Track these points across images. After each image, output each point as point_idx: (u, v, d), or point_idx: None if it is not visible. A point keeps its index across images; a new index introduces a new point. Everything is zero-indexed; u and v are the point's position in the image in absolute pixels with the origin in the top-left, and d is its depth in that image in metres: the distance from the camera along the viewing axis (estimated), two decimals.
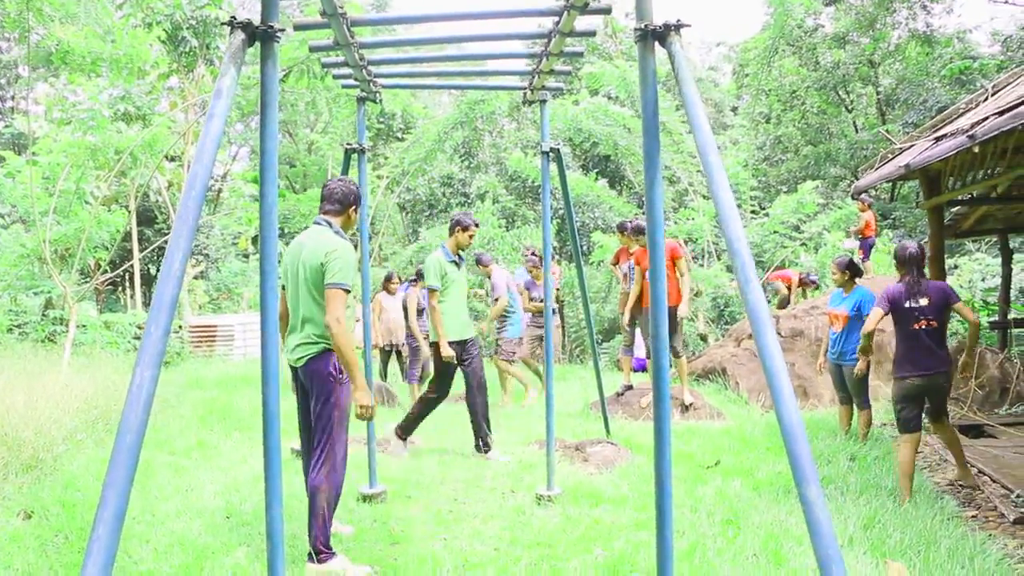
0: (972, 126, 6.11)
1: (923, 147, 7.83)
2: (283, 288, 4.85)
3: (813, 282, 14.22)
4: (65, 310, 13.15)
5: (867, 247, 13.54)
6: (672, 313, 8.87)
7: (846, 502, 5.68)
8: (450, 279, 7.47)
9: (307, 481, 4.73)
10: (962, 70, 18.89)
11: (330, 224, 4.77)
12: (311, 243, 4.66)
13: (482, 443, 7.49)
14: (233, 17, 3.04)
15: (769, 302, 13.39)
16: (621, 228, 9.52)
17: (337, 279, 4.48)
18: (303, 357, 4.65)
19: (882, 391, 9.68)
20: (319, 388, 4.63)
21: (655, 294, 3.27)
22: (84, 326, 13.15)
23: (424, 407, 7.56)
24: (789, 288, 13.76)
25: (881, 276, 12.89)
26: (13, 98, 33.39)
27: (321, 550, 4.55)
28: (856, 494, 5.89)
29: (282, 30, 3.16)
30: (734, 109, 27.73)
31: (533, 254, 11.31)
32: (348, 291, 4.54)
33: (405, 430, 7.55)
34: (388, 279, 10.95)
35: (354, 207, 4.92)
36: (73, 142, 12.21)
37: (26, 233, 14.59)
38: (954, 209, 8.84)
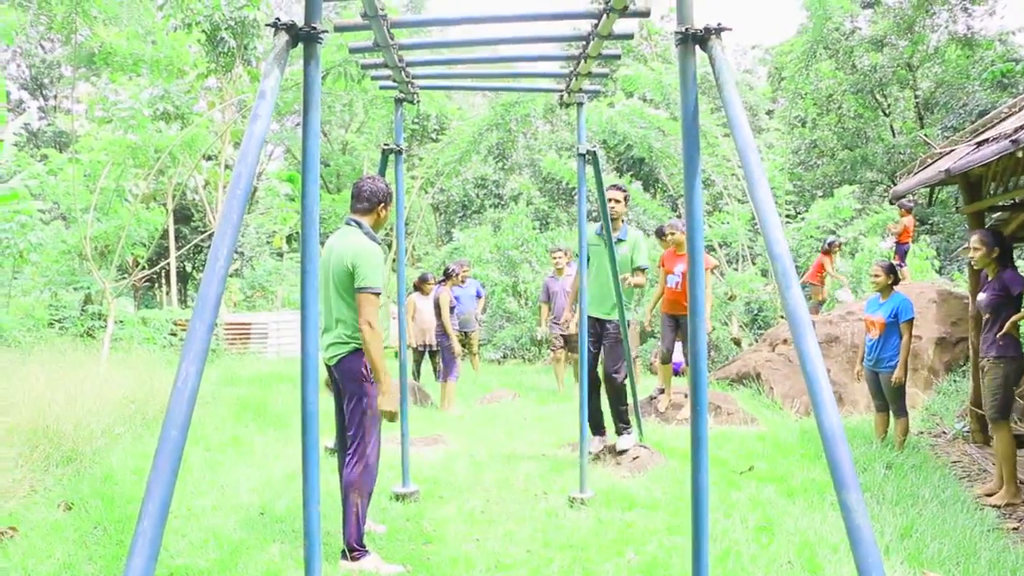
0: (1016, 130, 6.02)
1: (964, 152, 7.73)
2: None
3: (838, 245, 13.80)
4: (104, 306, 13.34)
5: (902, 252, 13.38)
6: None
7: (882, 511, 5.61)
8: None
9: (341, 479, 4.77)
10: (1004, 73, 18.57)
11: (360, 224, 4.78)
12: (340, 245, 4.68)
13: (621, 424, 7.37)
14: (277, 19, 3.08)
15: (810, 299, 13.29)
16: (660, 234, 9.45)
17: (367, 283, 4.51)
18: (336, 356, 4.70)
19: (919, 398, 9.58)
20: (351, 387, 4.67)
21: (694, 300, 3.26)
22: (122, 322, 13.33)
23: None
24: (822, 280, 13.47)
25: (916, 282, 12.75)
26: (56, 97, 33.95)
27: (355, 548, 4.58)
28: (892, 503, 5.82)
29: (325, 31, 3.20)
30: (769, 113, 27.52)
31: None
32: (378, 294, 4.57)
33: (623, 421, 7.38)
34: (423, 280, 10.99)
35: (383, 205, 4.91)
36: (114, 140, 12.39)
37: (67, 230, 14.82)
38: (995, 215, 8.71)
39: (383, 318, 4.78)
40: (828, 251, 13.32)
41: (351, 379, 4.68)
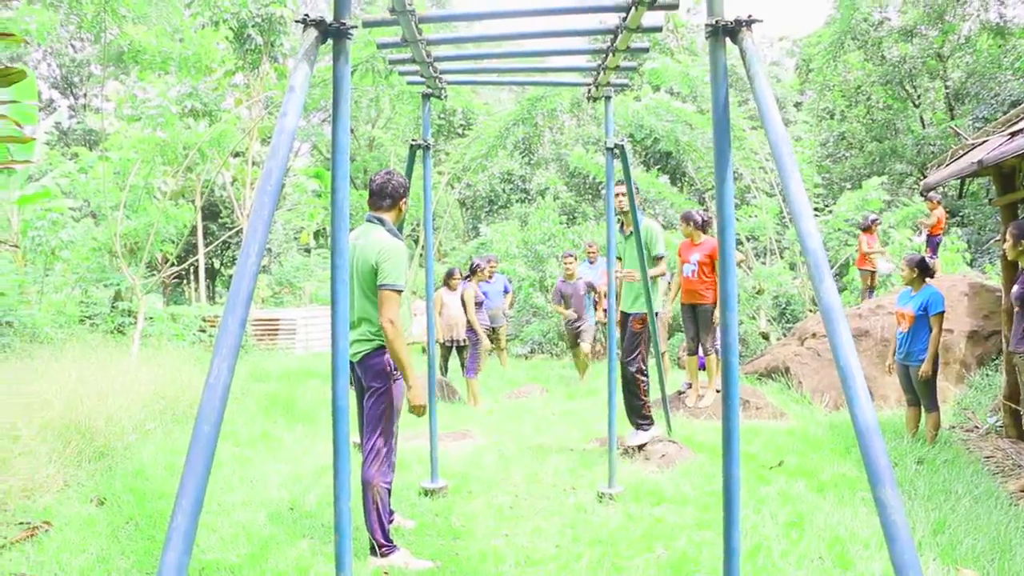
0: None
1: (997, 143, 7.62)
2: None
3: (874, 221, 13.64)
4: (133, 302, 13.48)
5: (934, 245, 13.23)
6: (711, 312, 8.82)
7: (914, 506, 5.55)
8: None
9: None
10: None
11: (383, 222, 4.78)
12: (363, 242, 4.68)
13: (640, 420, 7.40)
14: (306, 15, 3.09)
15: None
16: (687, 219, 9.29)
17: (390, 280, 4.52)
18: (359, 353, 4.70)
19: (950, 393, 9.47)
20: (371, 383, 4.69)
21: (725, 293, 3.23)
22: (151, 318, 13.45)
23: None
24: (872, 275, 13.35)
25: (947, 275, 12.60)
26: (85, 95, 34.30)
27: (382, 543, 4.60)
28: (924, 498, 5.76)
29: (354, 27, 3.20)
30: (797, 105, 27.30)
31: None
32: (400, 291, 4.57)
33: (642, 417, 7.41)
34: (449, 275, 11.00)
35: (404, 200, 4.92)
36: (143, 138, 12.50)
37: (97, 227, 14.97)
38: None
39: (403, 315, 4.81)
40: (868, 228, 13.20)
41: (373, 376, 4.69)
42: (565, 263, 12.07)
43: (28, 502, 5.36)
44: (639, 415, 7.29)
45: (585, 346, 11.87)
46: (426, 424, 6.17)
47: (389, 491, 4.73)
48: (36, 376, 7.58)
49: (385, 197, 4.83)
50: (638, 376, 7.31)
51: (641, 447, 7.18)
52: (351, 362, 4.82)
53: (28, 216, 13.01)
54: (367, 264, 4.60)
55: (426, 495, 5.98)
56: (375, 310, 4.64)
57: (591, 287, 11.93)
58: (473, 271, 11.45)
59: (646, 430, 7.28)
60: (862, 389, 2.44)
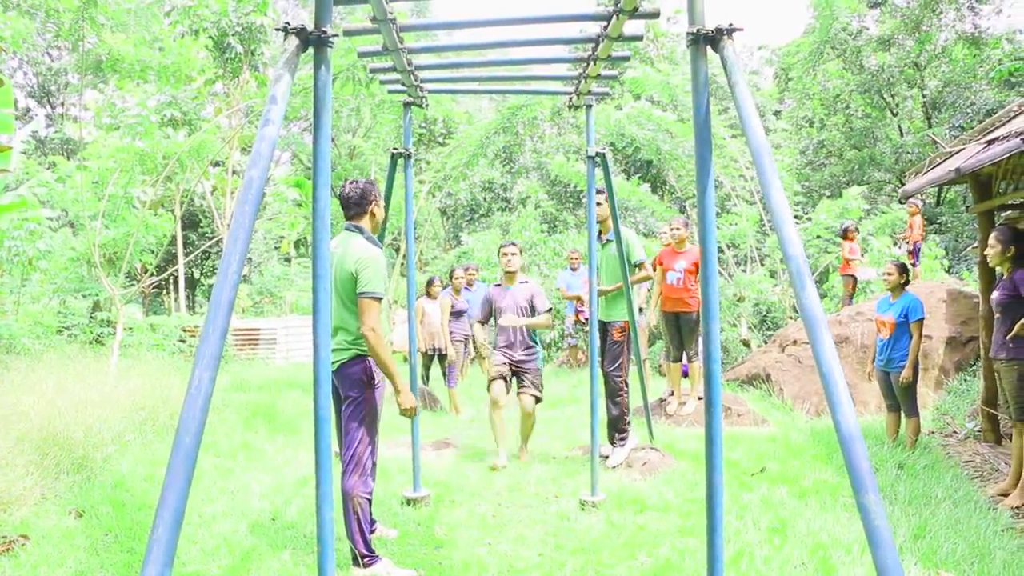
0: None
1: (973, 151, 7.70)
2: None
3: (855, 229, 13.74)
4: (112, 312, 13.37)
5: (915, 251, 13.34)
6: (696, 320, 8.85)
7: (895, 511, 5.58)
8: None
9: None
10: (1012, 72, 18.50)
11: (360, 230, 4.77)
12: (342, 251, 4.65)
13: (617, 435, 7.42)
14: (287, 23, 3.08)
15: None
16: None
17: (369, 288, 4.50)
18: (336, 362, 4.66)
19: (930, 398, 9.54)
20: (349, 392, 4.67)
21: (707, 301, 3.25)
22: (131, 328, 13.35)
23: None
24: (854, 281, 13.44)
25: (925, 282, 12.70)
26: (63, 104, 34.08)
27: (364, 553, 4.57)
28: (905, 503, 5.79)
29: (335, 35, 3.19)
30: (776, 113, 27.48)
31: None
32: (380, 299, 4.56)
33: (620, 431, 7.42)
34: (430, 283, 10.99)
35: (375, 203, 4.88)
36: (122, 147, 12.42)
37: (75, 237, 14.86)
38: (1005, 214, 8.67)
39: (384, 323, 4.79)
40: (845, 236, 13.29)
41: (351, 385, 4.67)
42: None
43: (4, 515, 5.29)
44: (618, 429, 7.32)
45: (528, 401, 7.53)
46: (408, 433, 6.15)
47: (370, 501, 4.70)
48: (13, 387, 7.51)
49: (355, 206, 4.81)
50: (622, 386, 7.34)
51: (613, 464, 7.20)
52: None
53: (5, 226, 12.88)
54: (346, 273, 4.57)
55: (408, 504, 5.96)
56: (353, 319, 4.62)
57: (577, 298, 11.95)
58: (450, 278, 11.49)
59: (623, 445, 7.31)
60: (845, 396, 2.46)
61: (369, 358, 4.64)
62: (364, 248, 4.63)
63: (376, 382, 4.70)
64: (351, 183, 4.87)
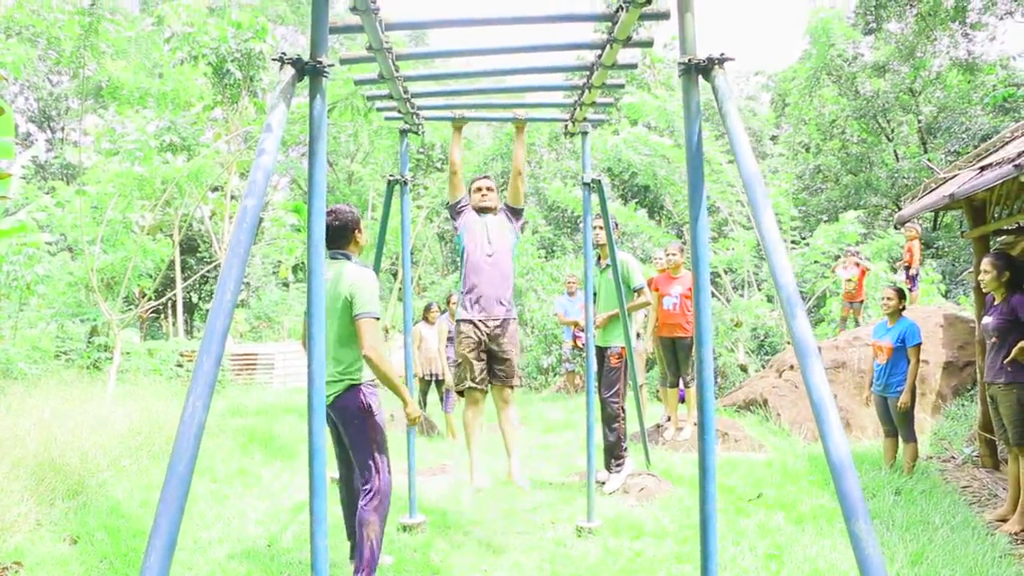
0: (1019, 155, 6.03)
1: (967, 176, 7.74)
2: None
3: (853, 254, 13.85)
4: (110, 337, 13.37)
5: (912, 276, 13.38)
6: (692, 345, 8.84)
7: (892, 537, 5.57)
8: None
9: (344, 511, 4.83)
10: (1006, 97, 18.67)
11: (348, 256, 4.76)
12: (333, 279, 4.61)
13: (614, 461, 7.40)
14: (283, 53, 3.11)
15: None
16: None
17: (366, 309, 4.46)
18: (330, 395, 4.57)
19: (927, 423, 9.53)
20: (350, 424, 4.61)
21: (700, 328, 3.26)
22: (128, 353, 13.35)
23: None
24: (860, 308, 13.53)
25: (922, 306, 12.72)
26: (63, 129, 34.22)
27: None
28: (903, 529, 5.78)
29: (331, 65, 3.22)
30: (773, 138, 27.63)
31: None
32: (378, 319, 4.53)
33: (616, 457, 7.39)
34: (427, 309, 11.00)
35: (357, 229, 4.86)
36: (121, 172, 12.47)
37: (73, 261, 14.89)
38: (1000, 239, 8.70)
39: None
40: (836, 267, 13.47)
41: (349, 416, 4.60)
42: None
43: None
44: (614, 455, 7.31)
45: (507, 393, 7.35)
46: (404, 459, 6.14)
47: (383, 529, 4.66)
48: (10, 412, 7.50)
49: (340, 238, 4.78)
50: (619, 412, 7.34)
51: (609, 490, 7.19)
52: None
53: (4, 250, 12.91)
54: (340, 299, 4.53)
55: (404, 531, 5.94)
56: (345, 350, 4.58)
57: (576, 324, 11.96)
58: (448, 304, 11.50)
59: (620, 471, 7.29)
60: (836, 424, 2.47)
61: (363, 387, 4.60)
62: (356, 271, 4.60)
63: (374, 409, 4.64)
64: (331, 212, 4.77)
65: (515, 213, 6.21)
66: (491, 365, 6.00)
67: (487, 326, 5.88)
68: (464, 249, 5.97)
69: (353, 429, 4.61)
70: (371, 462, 4.59)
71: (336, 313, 4.56)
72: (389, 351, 12.83)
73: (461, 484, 7.49)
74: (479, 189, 6.08)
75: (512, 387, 6.14)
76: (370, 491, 4.57)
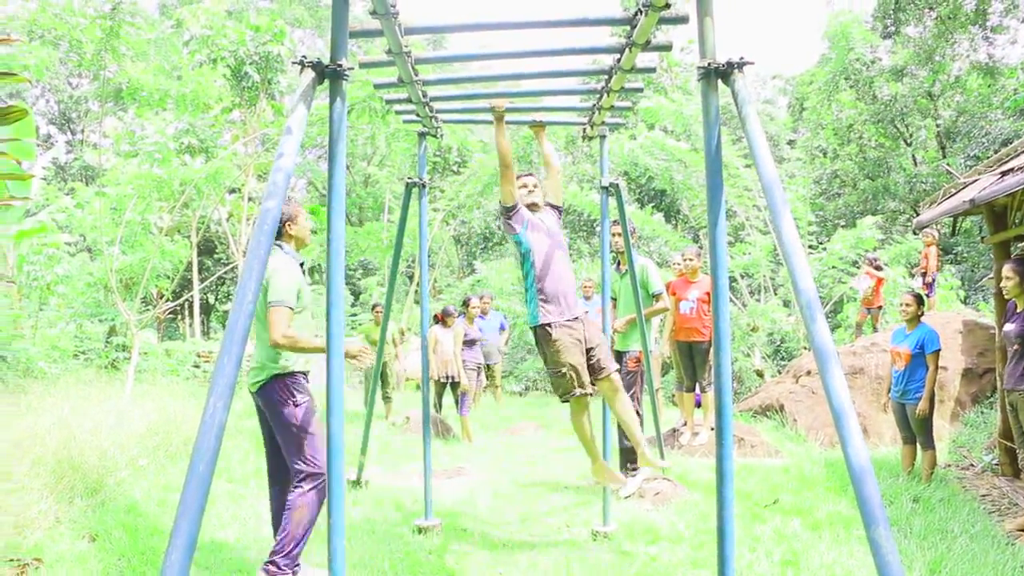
0: None
1: (988, 181, 7.69)
2: None
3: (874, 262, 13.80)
4: (128, 337, 13.45)
5: (930, 282, 13.30)
6: (710, 349, 8.81)
7: (910, 545, 5.53)
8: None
9: (272, 506, 4.88)
10: None
11: (281, 247, 4.84)
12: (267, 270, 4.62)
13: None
14: (303, 57, 3.13)
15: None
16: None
17: (277, 297, 4.48)
18: (255, 383, 4.69)
19: (946, 430, 9.46)
20: (273, 414, 4.67)
21: (718, 334, 3.26)
22: (146, 353, 13.42)
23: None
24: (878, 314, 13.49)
25: (941, 312, 12.64)
26: (83, 131, 34.46)
27: (277, 564, 4.48)
28: (920, 537, 5.74)
29: (350, 68, 3.24)
30: (791, 142, 27.53)
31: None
32: (288, 308, 4.52)
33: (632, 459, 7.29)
34: (444, 313, 11.02)
35: (288, 223, 4.87)
36: (140, 174, 12.56)
37: (92, 262, 14.98)
38: (1021, 245, 8.64)
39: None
40: (878, 267, 13.45)
41: (271, 405, 4.66)
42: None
43: (19, 539, 5.31)
44: (631, 459, 7.28)
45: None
46: (419, 461, 6.14)
47: (312, 519, 4.59)
48: (30, 411, 7.55)
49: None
50: (634, 416, 7.31)
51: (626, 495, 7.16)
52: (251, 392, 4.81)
53: (24, 251, 13.02)
54: (263, 290, 4.55)
55: (420, 533, 5.94)
56: (266, 335, 4.58)
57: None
58: (465, 306, 11.53)
59: (635, 475, 7.27)
60: (855, 429, 2.46)
61: (286, 378, 4.63)
62: (274, 260, 4.62)
63: (297, 399, 4.65)
64: None
65: (556, 209, 5.58)
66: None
67: (587, 336, 5.14)
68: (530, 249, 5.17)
69: (277, 418, 4.64)
70: (296, 448, 4.60)
71: (260, 303, 4.56)
72: (405, 353, 12.87)
73: (476, 487, 7.50)
74: (524, 185, 5.41)
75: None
76: (300, 477, 4.57)
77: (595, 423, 5.17)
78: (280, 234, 4.86)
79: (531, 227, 5.18)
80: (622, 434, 7.29)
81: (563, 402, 5.13)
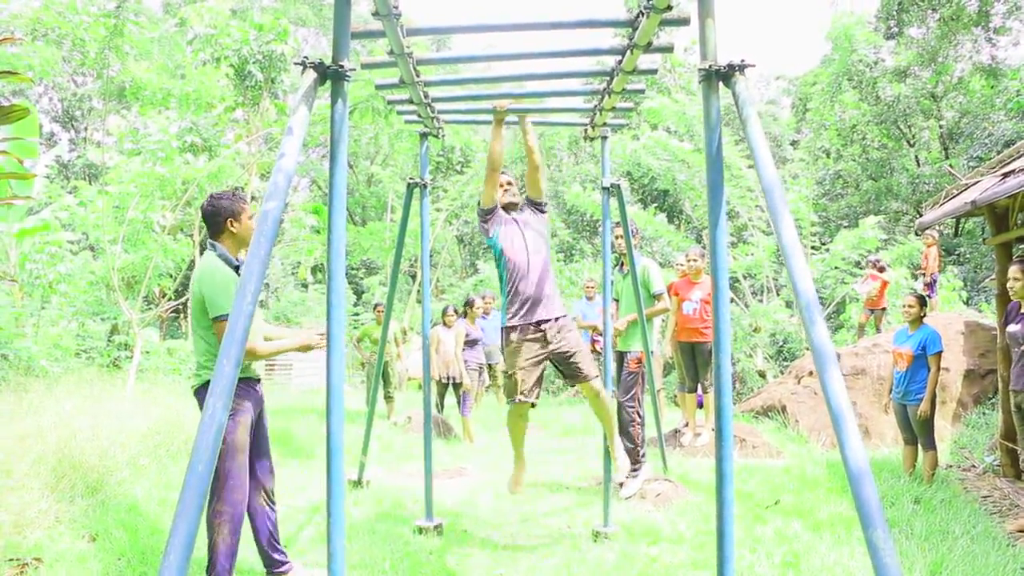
0: None
1: (990, 183, 7.68)
2: None
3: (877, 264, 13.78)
4: (130, 336, 13.46)
5: (931, 283, 13.29)
6: (712, 350, 8.79)
7: (911, 546, 5.53)
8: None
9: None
10: None
11: (214, 247, 4.54)
12: (196, 272, 4.48)
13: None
14: (305, 57, 3.13)
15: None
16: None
17: (220, 312, 4.26)
18: (193, 387, 4.54)
19: (947, 432, 9.45)
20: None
21: (718, 335, 3.26)
22: (148, 352, 13.43)
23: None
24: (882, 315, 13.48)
25: (943, 313, 12.62)
26: (86, 129, 34.49)
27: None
28: (921, 538, 5.73)
29: (352, 69, 3.24)
30: (794, 143, 27.50)
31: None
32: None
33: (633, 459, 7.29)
34: (445, 312, 11.02)
35: (231, 219, 4.55)
36: (143, 172, 12.56)
37: (95, 260, 14.99)
38: (1023, 246, 8.63)
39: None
40: (881, 269, 13.41)
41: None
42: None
43: (19, 538, 5.32)
44: (632, 460, 7.27)
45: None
46: (420, 461, 6.14)
47: (234, 531, 4.40)
48: (31, 409, 7.56)
49: (211, 226, 4.56)
50: (635, 417, 7.32)
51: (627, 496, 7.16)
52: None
53: (26, 249, 13.03)
54: (196, 295, 4.38)
55: (420, 533, 5.94)
56: (202, 343, 4.44)
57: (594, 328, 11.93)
58: (468, 306, 11.51)
59: (636, 475, 7.26)
60: (854, 431, 2.46)
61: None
62: (205, 265, 4.42)
63: (233, 408, 4.35)
64: (209, 198, 4.58)
65: (537, 207, 5.56)
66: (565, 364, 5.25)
67: (549, 336, 5.13)
68: (502, 252, 5.25)
69: None
70: (220, 462, 4.30)
71: (194, 307, 4.44)
72: (407, 353, 12.86)
73: (477, 487, 7.50)
74: (499, 185, 5.41)
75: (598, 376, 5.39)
76: (215, 488, 4.35)
77: (592, 427, 5.16)
78: (217, 231, 4.56)
79: (506, 230, 5.26)
80: (622, 436, 7.28)
81: (507, 403, 5.24)
